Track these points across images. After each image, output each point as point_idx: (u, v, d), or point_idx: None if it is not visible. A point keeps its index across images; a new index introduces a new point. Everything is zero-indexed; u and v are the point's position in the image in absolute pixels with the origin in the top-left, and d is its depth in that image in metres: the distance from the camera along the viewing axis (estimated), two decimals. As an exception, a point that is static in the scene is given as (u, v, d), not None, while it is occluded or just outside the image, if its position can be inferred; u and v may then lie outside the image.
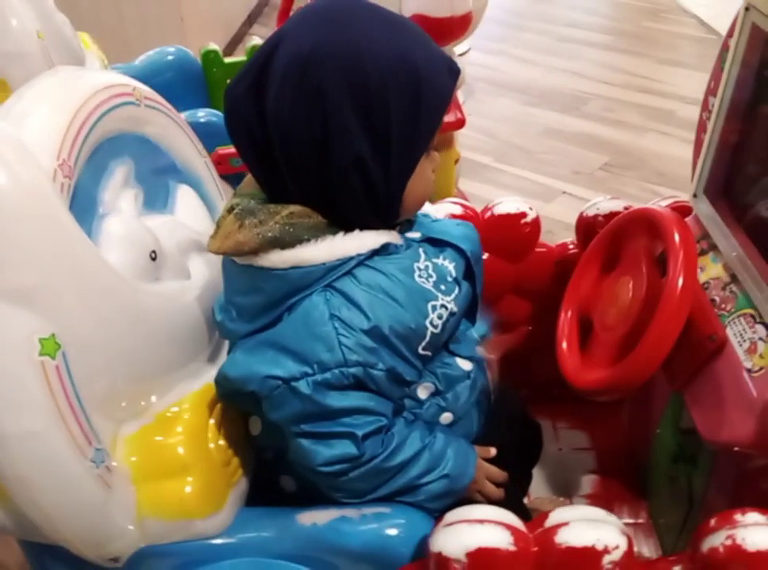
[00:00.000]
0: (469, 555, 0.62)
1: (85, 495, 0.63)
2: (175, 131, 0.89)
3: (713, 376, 0.76)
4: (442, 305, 0.71)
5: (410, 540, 0.70)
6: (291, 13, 1.67)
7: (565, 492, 1.09)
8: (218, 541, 0.72)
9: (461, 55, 3.08)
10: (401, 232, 0.73)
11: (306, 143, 0.63)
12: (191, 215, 0.88)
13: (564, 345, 0.90)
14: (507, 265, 1.08)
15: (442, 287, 0.72)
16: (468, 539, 0.63)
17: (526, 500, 1.00)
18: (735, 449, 0.74)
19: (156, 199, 0.85)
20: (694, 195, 0.89)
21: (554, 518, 0.65)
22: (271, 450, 0.79)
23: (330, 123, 0.62)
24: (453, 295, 0.72)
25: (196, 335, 0.79)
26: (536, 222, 1.04)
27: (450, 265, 0.73)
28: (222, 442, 0.75)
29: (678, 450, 0.93)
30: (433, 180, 0.73)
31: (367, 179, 0.65)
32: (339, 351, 0.65)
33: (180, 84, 1.67)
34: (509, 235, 1.05)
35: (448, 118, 1.49)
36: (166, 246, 0.79)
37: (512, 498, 0.82)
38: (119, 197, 0.76)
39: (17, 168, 0.60)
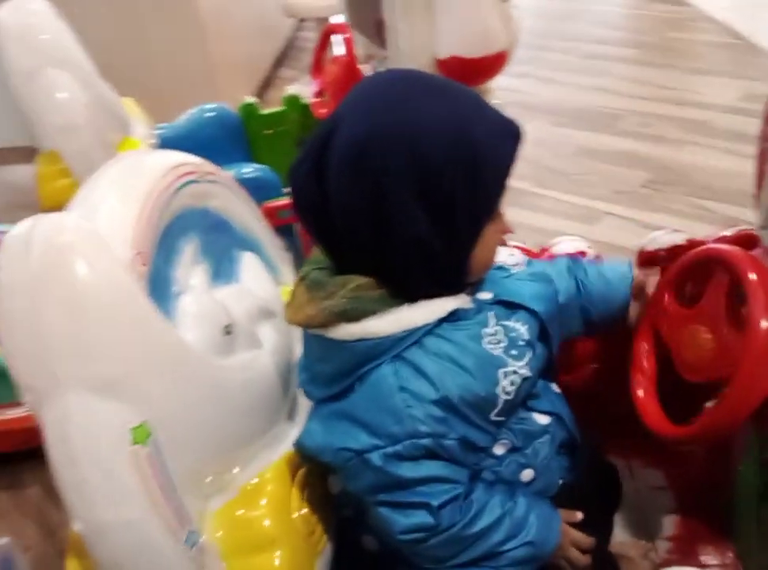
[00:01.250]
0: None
1: (180, 577, 0.64)
2: (233, 201, 0.91)
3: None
4: (514, 372, 0.70)
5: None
6: (324, 64, 1.69)
7: (647, 533, 1.06)
8: (310, 613, 0.72)
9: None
10: (473, 292, 0.73)
11: (365, 224, 0.64)
12: (256, 282, 0.90)
13: (641, 393, 0.87)
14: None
15: (514, 352, 0.71)
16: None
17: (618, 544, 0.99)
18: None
19: (222, 270, 0.87)
20: (762, 228, 0.88)
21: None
22: (351, 509, 0.79)
23: (389, 207, 0.63)
24: (525, 360, 0.72)
25: (272, 402, 0.80)
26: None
27: (522, 328, 0.73)
28: (305, 510, 0.75)
29: (765, 488, 0.90)
30: (500, 242, 0.73)
31: (429, 254, 0.66)
32: (408, 423, 0.66)
33: (221, 139, 1.70)
34: (568, 275, 1.03)
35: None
36: (236, 316, 0.80)
37: (597, 549, 0.81)
38: (190, 274, 0.78)
39: (95, 260, 0.61)
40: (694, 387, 0.83)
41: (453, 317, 0.69)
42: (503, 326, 0.72)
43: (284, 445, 0.78)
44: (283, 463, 0.76)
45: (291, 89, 1.84)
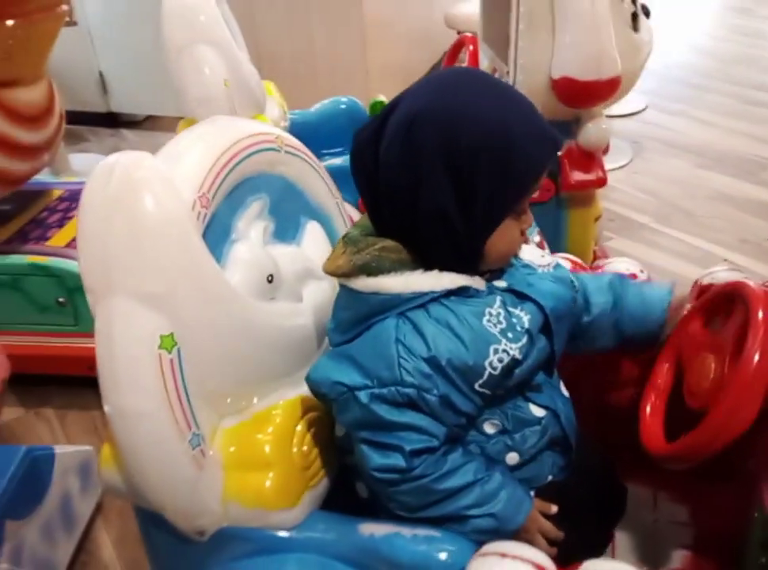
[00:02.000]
0: (496, 586, 0.66)
1: (179, 470, 0.75)
2: (311, 174, 1.02)
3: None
4: (504, 350, 0.76)
5: (455, 566, 0.75)
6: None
7: (653, 563, 1.06)
8: (287, 534, 0.81)
9: (635, 113, 3.06)
10: (490, 279, 0.79)
11: (402, 190, 0.73)
12: (314, 248, 1.00)
13: (648, 408, 0.90)
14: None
15: (510, 335, 0.77)
16: (497, 571, 0.67)
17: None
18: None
19: (287, 231, 0.98)
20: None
21: (585, 567, 0.67)
22: (351, 455, 0.86)
23: (422, 176, 0.72)
24: (519, 344, 0.77)
25: (299, 350, 0.90)
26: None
27: (525, 317, 0.78)
28: (305, 447, 0.84)
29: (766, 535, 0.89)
30: (520, 239, 0.79)
31: (450, 230, 0.73)
32: (397, 372, 0.73)
33: (347, 129, 1.83)
34: (617, 296, 1.06)
35: (588, 176, 1.52)
36: (285, 272, 0.91)
37: (572, 551, 0.84)
38: (251, 227, 0.90)
39: (161, 198, 0.74)
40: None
41: (464, 292, 0.77)
42: (507, 311, 0.78)
43: (300, 390, 0.87)
44: (297, 401, 0.86)
45: (381, 97, 1.93)
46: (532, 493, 0.83)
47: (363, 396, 0.75)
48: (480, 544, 0.77)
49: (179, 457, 0.75)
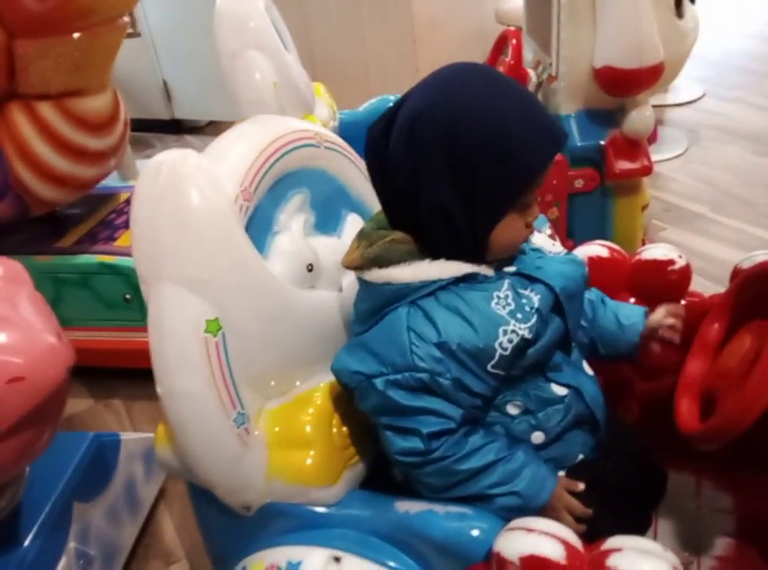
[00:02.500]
0: (522, 559, 0.69)
1: (225, 447, 0.80)
2: (351, 169, 1.06)
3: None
4: (513, 331, 0.78)
5: (486, 543, 0.77)
6: (497, 68, 1.80)
7: (695, 550, 1.06)
8: (327, 510, 0.85)
9: (692, 101, 3.00)
10: (499, 267, 0.82)
11: (406, 184, 0.76)
12: (354, 239, 1.04)
13: (683, 389, 0.90)
14: (656, 312, 1.09)
15: (519, 316, 0.78)
16: (523, 545, 0.69)
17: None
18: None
19: (328, 223, 1.02)
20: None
21: (611, 543, 0.69)
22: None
23: (425, 172, 0.74)
24: (528, 323, 0.79)
25: (338, 336, 0.94)
26: (685, 271, 1.05)
27: (534, 297, 0.80)
28: (344, 428, 0.88)
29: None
30: (525, 232, 0.81)
31: (453, 224, 0.76)
32: (409, 358, 0.76)
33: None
34: (655, 281, 1.06)
35: (633, 165, 1.52)
36: (326, 262, 0.95)
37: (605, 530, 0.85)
38: (292, 219, 0.94)
39: (206, 192, 0.79)
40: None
41: (473, 279, 0.79)
42: (516, 292, 0.80)
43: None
44: (336, 385, 0.90)
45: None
46: (561, 473, 0.85)
47: (379, 383, 0.78)
48: (508, 520, 0.79)
49: (225, 434, 0.80)
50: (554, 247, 0.89)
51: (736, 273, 1.04)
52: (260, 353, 0.85)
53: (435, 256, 0.79)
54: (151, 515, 1.47)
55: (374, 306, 0.81)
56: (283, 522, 0.87)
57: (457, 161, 0.73)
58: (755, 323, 0.87)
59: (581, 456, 0.88)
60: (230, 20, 1.52)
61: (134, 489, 1.42)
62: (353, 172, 1.06)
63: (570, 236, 1.66)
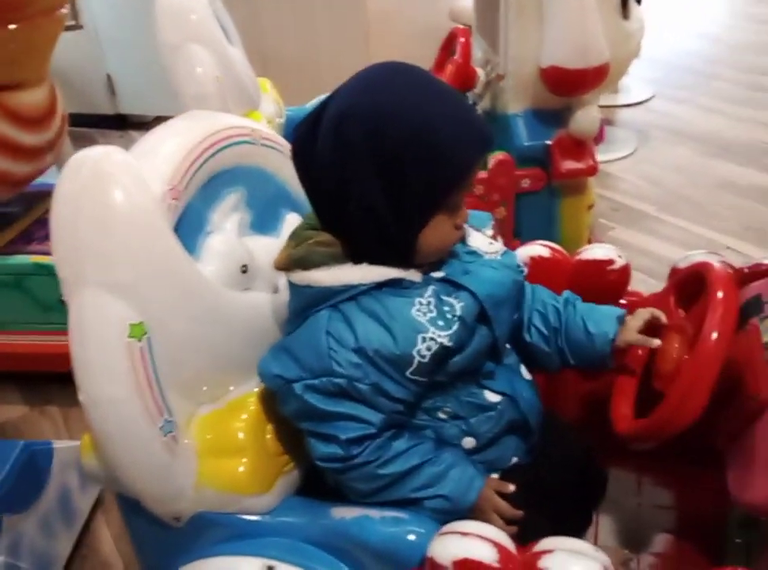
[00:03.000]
0: (455, 563, 0.68)
1: (152, 456, 0.77)
2: (291, 167, 1.03)
3: (751, 436, 0.74)
4: (432, 339, 0.76)
5: (422, 547, 0.76)
6: (446, 66, 1.79)
7: (635, 547, 1.07)
8: (261, 518, 0.83)
9: (642, 102, 3.04)
10: (428, 271, 0.80)
11: (334, 186, 0.75)
12: (292, 239, 1.01)
13: (618, 390, 0.90)
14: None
15: (440, 323, 0.77)
16: (456, 549, 0.68)
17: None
18: None
19: (267, 223, 0.99)
20: (774, 255, 0.87)
21: (543, 544, 0.68)
22: None
23: (352, 174, 0.73)
24: (449, 332, 0.76)
25: (275, 338, 0.90)
26: (624, 270, 1.05)
27: (458, 305, 0.78)
28: (279, 434, 0.86)
29: (745, 514, 0.89)
30: (455, 234, 0.80)
31: (381, 226, 0.74)
32: (327, 362, 0.75)
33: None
34: (595, 281, 1.06)
35: (579, 164, 1.52)
36: (262, 263, 0.93)
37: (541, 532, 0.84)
38: (227, 219, 0.91)
39: (130, 190, 0.76)
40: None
41: (397, 285, 0.77)
42: (439, 299, 0.78)
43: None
44: (270, 390, 0.88)
45: None
46: (495, 475, 0.84)
47: (297, 387, 0.77)
48: (445, 523, 0.78)
49: (151, 443, 0.77)
50: (492, 247, 0.87)
51: (674, 273, 1.05)
52: (191, 357, 0.82)
53: (358, 260, 0.77)
54: (87, 526, 1.43)
55: (298, 308, 0.80)
56: (216, 531, 0.84)
57: (384, 160, 0.72)
58: (688, 321, 0.87)
59: (515, 459, 0.87)
60: (171, 13, 1.47)
61: (69, 499, 1.37)
62: (291, 170, 1.03)
63: (517, 236, 1.66)
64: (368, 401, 0.76)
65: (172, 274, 0.79)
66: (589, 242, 1.70)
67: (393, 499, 0.79)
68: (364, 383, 0.75)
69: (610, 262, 1.05)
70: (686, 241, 2.14)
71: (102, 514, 1.46)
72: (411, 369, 0.76)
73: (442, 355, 0.77)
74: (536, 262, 1.07)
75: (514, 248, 0.92)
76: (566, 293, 0.95)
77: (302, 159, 0.78)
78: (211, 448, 0.82)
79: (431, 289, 0.79)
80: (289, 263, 0.78)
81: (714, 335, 0.72)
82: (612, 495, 1.08)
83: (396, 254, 0.77)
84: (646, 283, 1.71)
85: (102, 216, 0.75)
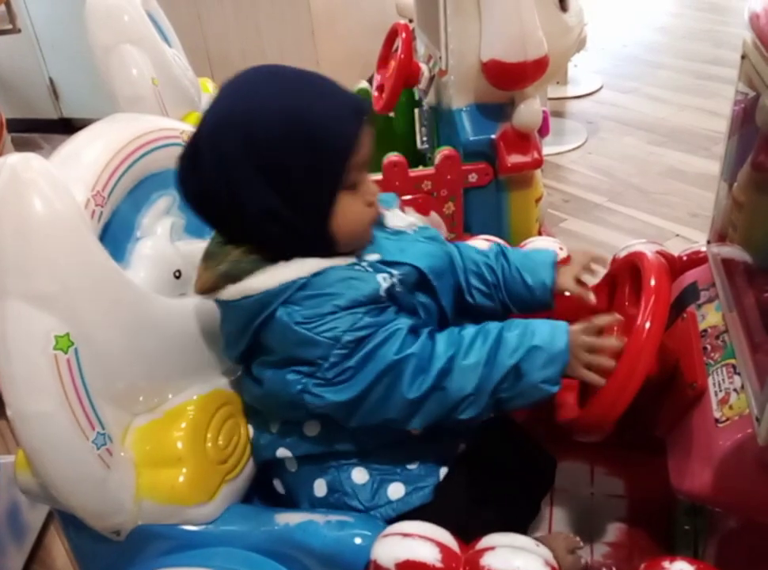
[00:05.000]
0: (398, 566, 0.67)
1: (85, 470, 0.75)
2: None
3: (688, 424, 0.74)
4: (387, 279, 0.77)
5: (368, 549, 0.74)
6: (390, 61, 1.78)
7: (587, 536, 1.07)
8: (204, 528, 0.81)
9: (591, 93, 3.07)
10: (361, 255, 0.79)
11: (226, 203, 0.74)
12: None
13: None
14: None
15: (384, 274, 0.77)
16: (398, 551, 0.68)
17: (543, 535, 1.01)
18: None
19: (202, 226, 0.96)
20: (708, 241, 0.88)
21: (485, 541, 0.67)
22: (264, 458, 0.87)
23: (236, 184, 0.72)
24: (398, 272, 0.78)
25: (212, 345, 0.89)
26: (565, 262, 1.05)
27: (396, 273, 0.78)
28: (220, 442, 0.84)
29: (690, 502, 0.90)
30: (368, 211, 0.79)
31: (286, 225, 0.74)
32: (323, 342, 0.73)
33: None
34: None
35: (524, 158, 1.52)
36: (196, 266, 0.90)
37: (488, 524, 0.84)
38: (157, 223, 0.89)
39: (50, 198, 0.73)
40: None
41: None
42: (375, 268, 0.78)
43: (214, 385, 0.87)
44: (212, 396, 0.86)
45: (363, 84, 1.94)
46: (444, 469, 0.83)
47: (323, 373, 0.74)
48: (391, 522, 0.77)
49: (83, 457, 0.74)
50: (406, 219, 0.87)
51: (613, 263, 1.05)
52: (123, 367, 0.80)
53: (287, 258, 0.76)
54: (40, 541, 1.38)
55: (240, 324, 0.77)
56: (158, 544, 0.82)
57: (265, 162, 0.72)
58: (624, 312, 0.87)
59: (462, 446, 0.86)
60: (102, 14, 1.44)
61: (18, 515, 1.33)
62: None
63: (467, 230, 1.66)
64: (379, 323, 0.74)
65: (97, 283, 0.76)
66: (539, 234, 1.70)
67: (499, 379, 0.74)
68: (361, 325, 0.73)
69: (552, 255, 1.05)
70: (636, 230, 2.16)
71: (55, 528, 1.41)
72: (383, 299, 0.76)
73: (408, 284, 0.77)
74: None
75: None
76: (494, 245, 0.95)
77: (188, 189, 0.78)
78: (149, 459, 0.80)
79: (366, 266, 0.78)
80: (217, 280, 0.76)
81: (647, 324, 0.72)
82: (565, 486, 1.08)
83: (316, 247, 0.76)
84: (597, 272, 1.72)
85: (21, 226, 0.72)
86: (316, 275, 0.75)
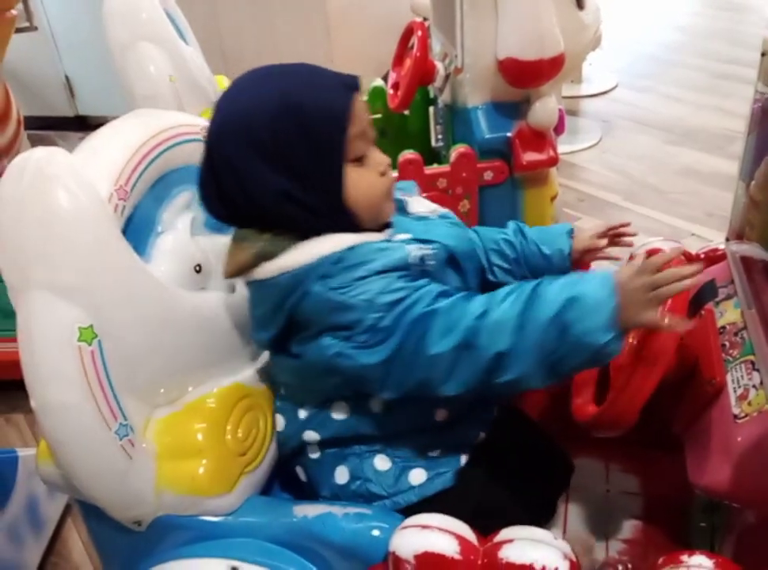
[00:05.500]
0: (416, 557, 0.67)
1: (107, 461, 0.76)
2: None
3: (707, 420, 0.74)
4: (419, 248, 0.78)
5: (386, 542, 0.75)
6: (405, 59, 1.78)
7: (604, 534, 1.07)
8: (223, 520, 0.82)
9: (606, 92, 3.06)
10: (392, 235, 0.81)
11: (239, 199, 0.77)
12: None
13: (578, 380, 0.91)
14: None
15: (419, 243, 0.79)
16: (417, 543, 0.68)
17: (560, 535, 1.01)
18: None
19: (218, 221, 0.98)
20: (727, 239, 0.88)
21: (503, 534, 0.68)
22: (290, 447, 0.88)
23: (246, 177, 0.75)
24: (429, 246, 0.79)
25: (232, 338, 0.90)
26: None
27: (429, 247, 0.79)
28: (240, 434, 0.85)
29: (707, 499, 0.90)
30: (383, 181, 0.80)
31: (301, 205, 0.76)
32: (359, 305, 0.74)
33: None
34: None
35: (539, 156, 1.52)
36: (217, 262, 0.91)
37: (507, 511, 0.84)
38: (178, 218, 0.90)
39: (74, 192, 0.74)
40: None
41: None
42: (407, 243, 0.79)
43: (235, 378, 0.88)
44: (232, 389, 0.87)
45: (378, 82, 1.95)
46: (465, 456, 0.84)
47: (363, 335, 0.75)
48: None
49: (106, 447, 0.75)
50: (432, 206, 0.89)
51: (630, 260, 1.05)
52: (145, 360, 0.81)
53: (317, 235, 0.77)
54: (57, 533, 1.40)
55: (275, 303, 0.78)
56: (178, 534, 0.83)
57: (269, 153, 0.74)
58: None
59: (482, 434, 0.87)
60: (120, 11, 1.45)
61: (36, 507, 1.35)
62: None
63: (482, 227, 1.66)
64: (413, 287, 0.75)
65: (120, 276, 0.77)
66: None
67: (544, 334, 0.69)
68: (395, 287, 0.74)
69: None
70: (651, 229, 2.15)
71: (72, 520, 1.44)
72: (412, 267, 0.77)
73: (432, 265, 0.78)
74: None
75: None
76: (511, 223, 0.97)
77: (210, 191, 0.80)
78: (169, 451, 0.81)
79: (399, 241, 0.80)
80: (254, 259, 0.77)
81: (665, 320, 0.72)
82: (581, 483, 1.09)
83: (338, 221, 0.77)
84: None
85: (47, 219, 0.73)
86: (350, 249, 0.76)
